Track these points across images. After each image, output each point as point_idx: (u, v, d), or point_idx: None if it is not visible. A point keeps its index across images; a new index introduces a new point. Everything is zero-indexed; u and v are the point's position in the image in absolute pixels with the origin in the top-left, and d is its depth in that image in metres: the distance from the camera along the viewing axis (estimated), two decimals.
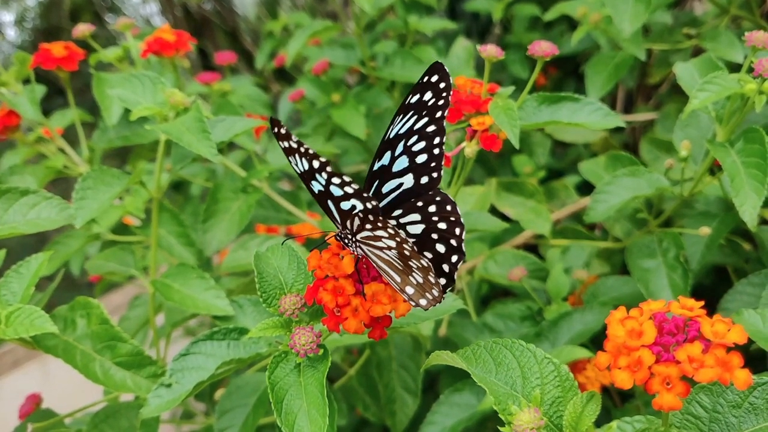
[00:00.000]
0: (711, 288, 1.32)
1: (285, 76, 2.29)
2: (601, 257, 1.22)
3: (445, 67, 0.61)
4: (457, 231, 0.59)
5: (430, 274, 0.56)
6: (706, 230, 0.92)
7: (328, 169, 0.55)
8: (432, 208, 0.60)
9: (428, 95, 0.61)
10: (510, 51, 1.66)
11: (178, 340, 1.58)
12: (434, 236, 0.59)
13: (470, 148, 0.83)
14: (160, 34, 1.09)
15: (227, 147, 1.27)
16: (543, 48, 0.79)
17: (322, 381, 0.58)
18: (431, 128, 0.61)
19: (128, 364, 0.76)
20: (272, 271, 0.66)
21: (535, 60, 0.80)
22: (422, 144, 0.61)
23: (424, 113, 0.61)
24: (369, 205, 0.57)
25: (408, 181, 0.61)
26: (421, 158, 0.61)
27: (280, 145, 0.57)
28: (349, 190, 0.56)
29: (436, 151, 0.61)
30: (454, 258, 0.59)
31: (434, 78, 0.61)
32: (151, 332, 1.00)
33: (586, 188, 1.29)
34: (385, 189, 0.62)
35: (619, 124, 0.84)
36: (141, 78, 0.85)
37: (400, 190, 0.62)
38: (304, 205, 1.19)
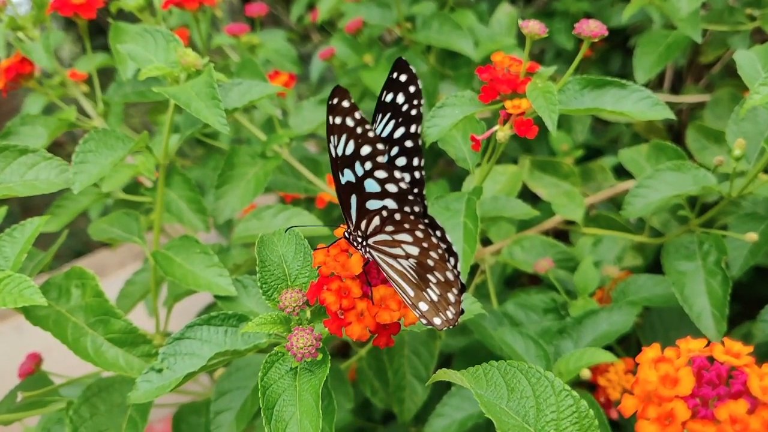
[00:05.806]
0: (749, 286, 1.25)
1: (326, 27, 2.21)
2: (635, 248, 1.15)
3: (411, 67, 0.51)
4: (452, 261, 0.51)
5: (452, 290, 0.50)
6: (753, 236, 0.85)
7: (379, 159, 0.46)
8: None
9: (401, 98, 0.51)
10: (555, 19, 1.57)
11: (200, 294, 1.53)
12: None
13: (503, 133, 0.76)
14: None
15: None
16: (591, 28, 0.71)
17: (318, 389, 0.53)
18: (409, 143, 0.52)
19: (121, 341, 0.72)
20: (276, 260, 0.61)
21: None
22: (403, 160, 0.52)
23: (400, 120, 0.52)
24: (417, 209, 0.49)
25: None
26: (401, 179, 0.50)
27: (328, 120, 0.48)
28: (392, 188, 0.48)
29: (417, 174, 0.52)
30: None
31: (403, 77, 0.51)
32: (159, 297, 0.97)
33: (624, 170, 1.21)
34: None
35: (668, 116, 0.76)
36: (154, 34, 0.79)
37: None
38: (324, 173, 1.13)
